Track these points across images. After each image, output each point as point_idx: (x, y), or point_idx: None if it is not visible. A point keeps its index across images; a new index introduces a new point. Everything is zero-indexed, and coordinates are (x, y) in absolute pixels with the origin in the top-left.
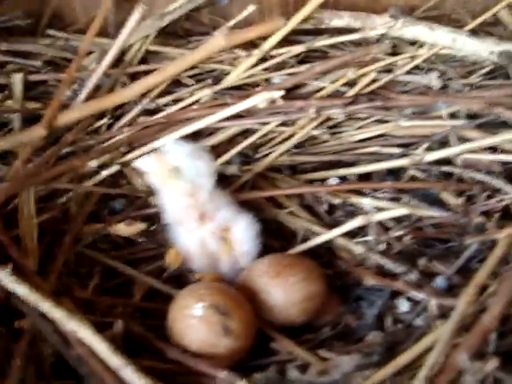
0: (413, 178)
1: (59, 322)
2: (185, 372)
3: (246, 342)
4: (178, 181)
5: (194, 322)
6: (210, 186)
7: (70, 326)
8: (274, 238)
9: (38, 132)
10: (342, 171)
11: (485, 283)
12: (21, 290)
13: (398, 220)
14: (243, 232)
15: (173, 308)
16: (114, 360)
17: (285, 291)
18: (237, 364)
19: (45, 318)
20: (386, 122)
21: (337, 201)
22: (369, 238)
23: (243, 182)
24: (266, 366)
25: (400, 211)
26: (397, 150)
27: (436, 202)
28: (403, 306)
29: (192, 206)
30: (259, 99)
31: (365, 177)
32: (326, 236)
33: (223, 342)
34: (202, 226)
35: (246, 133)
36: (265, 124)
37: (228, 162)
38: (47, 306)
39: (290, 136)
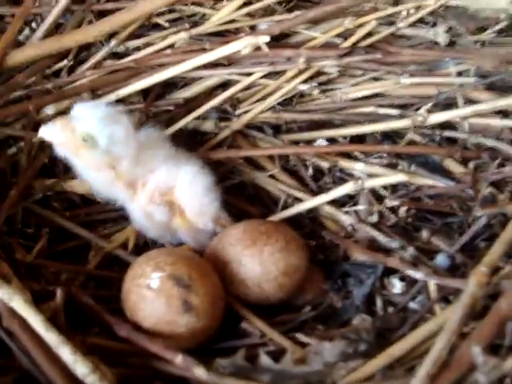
0: (412, 143)
1: None
2: (137, 353)
3: (210, 321)
4: (92, 150)
5: (150, 294)
6: (131, 153)
7: None
8: (252, 204)
9: None
10: (332, 132)
11: (495, 264)
12: None
13: (394, 189)
14: (189, 188)
15: (127, 277)
16: (50, 336)
17: (260, 263)
18: (199, 346)
19: None
20: (385, 79)
21: (325, 165)
22: (359, 207)
23: (220, 139)
24: (234, 349)
25: (396, 178)
26: (395, 112)
27: (438, 170)
28: (396, 286)
29: (115, 178)
30: (242, 44)
31: (358, 140)
32: (310, 203)
33: (183, 319)
34: (134, 196)
35: (226, 85)
36: (247, 75)
37: (204, 117)
38: None
39: (275, 90)
